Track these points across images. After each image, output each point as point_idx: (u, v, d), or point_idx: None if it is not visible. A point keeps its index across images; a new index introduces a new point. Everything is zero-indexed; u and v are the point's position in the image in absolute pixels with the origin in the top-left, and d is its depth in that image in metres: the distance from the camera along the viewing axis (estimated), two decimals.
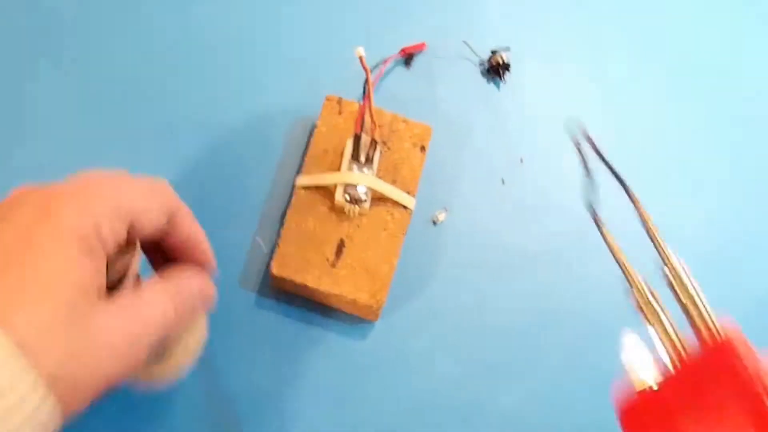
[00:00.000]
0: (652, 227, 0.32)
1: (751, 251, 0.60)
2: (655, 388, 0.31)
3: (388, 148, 0.55)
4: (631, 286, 0.32)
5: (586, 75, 0.66)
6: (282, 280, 0.51)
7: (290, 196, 0.54)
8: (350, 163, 0.53)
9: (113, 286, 0.38)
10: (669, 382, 0.30)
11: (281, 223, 0.53)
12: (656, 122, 0.64)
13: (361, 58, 0.54)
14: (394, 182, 0.54)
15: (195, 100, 0.59)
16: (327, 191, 0.53)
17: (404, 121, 0.56)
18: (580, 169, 0.36)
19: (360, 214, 0.53)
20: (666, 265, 0.31)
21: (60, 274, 0.31)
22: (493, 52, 0.63)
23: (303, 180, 0.53)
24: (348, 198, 0.52)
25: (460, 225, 0.58)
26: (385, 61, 0.60)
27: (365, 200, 0.52)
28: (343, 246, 0.52)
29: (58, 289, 0.31)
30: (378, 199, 0.53)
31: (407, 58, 0.62)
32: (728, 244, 0.60)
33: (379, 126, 0.55)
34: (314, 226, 0.52)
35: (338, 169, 0.54)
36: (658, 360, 0.31)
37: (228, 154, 0.57)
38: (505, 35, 0.64)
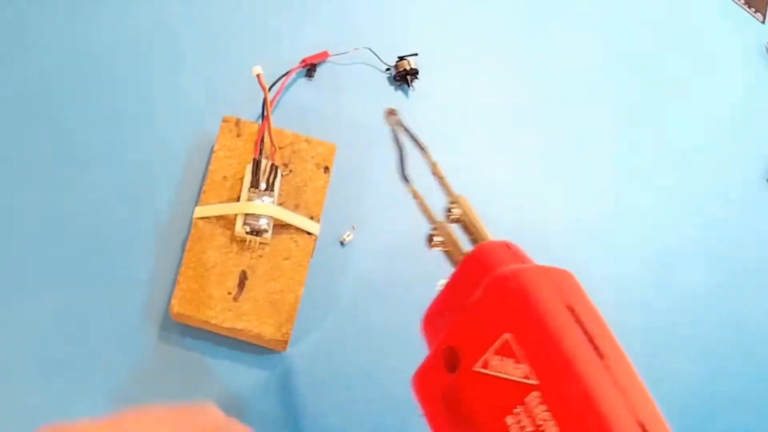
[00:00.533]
0: (439, 171, 0.39)
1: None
2: (439, 289, 0.35)
3: (290, 171, 0.53)
4: (430, 223, 0.38)
5: (496, 77, 0.64)
6: (183, 316, 0.49)
7: (189, 227, 0.52)
8: (250, 191, 0.51)
9: None
10: (444, 287, 0.35)
11: (182, 254, 0.51)
12: (571, 119, 0.64)
13: (258, 77, 0.52)
14: (296, 207, 0.53)
15: (85, 121, 0.55)
16: (227, 220, 0.51)
17: (306, 140, 0.54)
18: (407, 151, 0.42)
19: (262, 244, 0.51)
20: (449, 196, 0.38)
21: None
22: (401, 58, 0.61)
23: (201, 211, 0.51)
24: (248, 229, 0.50)
25: (369, 244, 0.56)
26: (287, 74, 0.57)
27: (267, 230, 0.51)
28: (246, 278, 0.50)
29: None
30: (281, 225, 0.52)
31: (309, 68, 0.59)
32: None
33: (280, 148, 0.53)
34: (215, 259, 0.50)
35: (238, 197, 0.51)
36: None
37: (122, 180, 0.54)
38: (412, 40, 0.62)
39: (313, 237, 0.52)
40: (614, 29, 0.69)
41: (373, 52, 0.61)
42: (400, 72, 0.60)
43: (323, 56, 0.59)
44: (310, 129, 0.55)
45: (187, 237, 0.52)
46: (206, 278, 0.50)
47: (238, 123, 0.54)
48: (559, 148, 0.63)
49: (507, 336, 0.28)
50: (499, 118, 0.63)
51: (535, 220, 0.59)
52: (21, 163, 0.53)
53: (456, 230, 0.38)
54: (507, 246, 0.34)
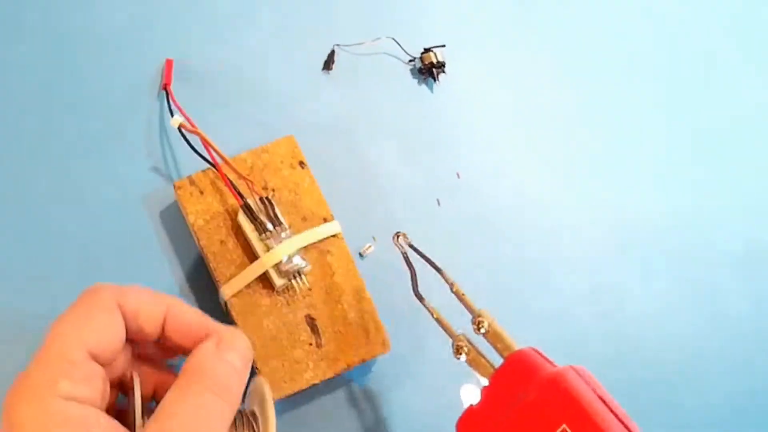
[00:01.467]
0: (459, 290, 0.42)
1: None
2: (475, 403, 0.38)
3: (273, 190, 0.47)
4: (451, 338, 0.41)
5: (529, 74, 0.58)
6: (284, 395, 0.45)
7: (225, 311, 0.46)
8: (261, 239, 0.45)
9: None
10: (484, 393, 0.38)
11: None
12: (610, 124, 0.59)
13: (180, 128, 0.45)
14: (305, 220, 0.47)
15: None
16: (259, 281, 0.45)
17: (263, 149, 0.48)
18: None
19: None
20: (474, 314, 0.40)
21: None
22: (426, 50, 0.55)
23: (228, 290, 0.45)
24: (289, 277, 0.45)
25: (390, 256, 0.50)
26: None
27: (305, 264, 0.45)
28: (314, 320, 0.46)
29: None
30: (305, 248, 0.47)
31: (327, 60, 0.53)
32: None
33: (249, 175, 0.47)
34: (273, 324, 0.45)
35: (253, 253, 0.46)
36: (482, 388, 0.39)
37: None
38: (439, 31, 0.56)
39: (340, 236, 0.47)
40: (671, 22, 0.62)
41: (397, 42, 0.55)
42: (425, 65, 0.54)
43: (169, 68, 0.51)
44: (327, 125, 0.51)
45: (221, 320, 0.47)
46: (280, 348, 0.45)
47: (192, 181, 0.46)
48: (596, 153, 0.57)
49: (564, 426, 0.34)
50: (531, 118, 0.57)
51: (565, 226, 0.55)
52: None
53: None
54: (536, 351, 0.38)
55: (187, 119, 0.46)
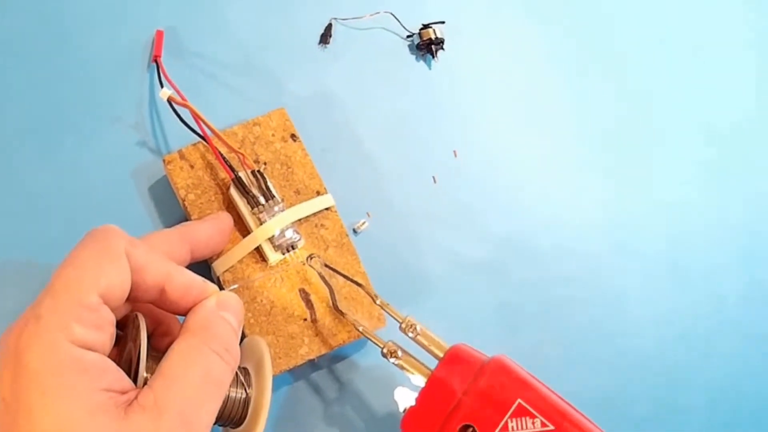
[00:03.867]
0: (382, 302, 0.43)
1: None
2: (414, 404, 0.40)
3: (265, 164, 0.46)
4: (380, 345, 0.42)
5: (528, 54, 0.57)
6: (280, 371, 0.44)
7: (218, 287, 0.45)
8: (253, 213, 0.44)
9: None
10: (424, 391, 0.40)
11: None
12: (607, 98, 0.57)
13: (170, 101, 0.44)
14: (298, 193, 0.46)
15: None
16: (252, 254, 0.45)
17: (255, 122, 0.47)
18: None
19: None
20: (401, 321, 0.42)
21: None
22: (425, 26, 0.53)
23: (220, 265, 0.44)
24: (282, 251, 0.44)
25: (384, 233, 0.50)
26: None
27: (299, 237, 0.45)
28: (308, 295, 0.45)
29: None
30: (299, 221, 0.46)
31: (324, 33, 0.52)
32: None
33: (240, 149, 0.46)
34: (268, 298, 0.44)
35: (245, 227, 0.45)
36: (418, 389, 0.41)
37: None
38: (439, 7, 0.55)
39: (333, 209, 0.47)
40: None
41: (396, 18, 0.53)
42: (424, 41, 0.53)
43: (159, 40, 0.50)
44: (322, 104, 0.51)
45: None
46: (274, 323, 0.44)
47: (182, 155, 0.45)
48: (599, 132, 0.56)
49: (519, 401, 0.38)
50: (529, 98, 0.55)
51: (564, 206, 0.54)
52: None
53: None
54: (466, 345, 0.41)
55: (177, 91, 0.45)
